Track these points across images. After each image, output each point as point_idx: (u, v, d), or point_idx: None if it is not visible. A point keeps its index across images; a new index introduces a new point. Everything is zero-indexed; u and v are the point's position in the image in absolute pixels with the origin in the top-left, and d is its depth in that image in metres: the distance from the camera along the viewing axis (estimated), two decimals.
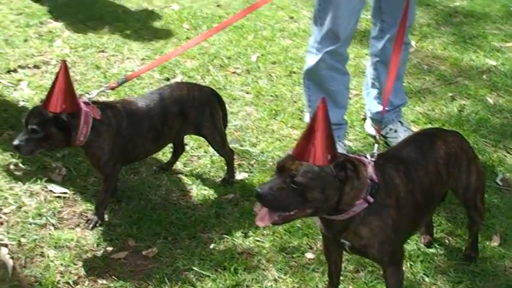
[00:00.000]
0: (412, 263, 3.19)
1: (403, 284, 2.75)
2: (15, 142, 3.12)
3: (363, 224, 2.51)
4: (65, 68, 3.08)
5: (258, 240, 3.33)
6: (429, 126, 4.41)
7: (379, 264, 2.78)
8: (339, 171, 2.37)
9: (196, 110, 3.55)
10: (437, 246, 3.32)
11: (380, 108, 4.15)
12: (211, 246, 3.29)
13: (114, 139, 3.29)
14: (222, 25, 3.71)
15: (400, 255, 2.71)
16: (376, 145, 2.66)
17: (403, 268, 2.78)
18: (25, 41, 5.50)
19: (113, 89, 3.50)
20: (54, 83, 3.09)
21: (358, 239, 2.55)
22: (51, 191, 3.66)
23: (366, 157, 2.57)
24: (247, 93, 4.82)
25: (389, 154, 2.88)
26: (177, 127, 3.54)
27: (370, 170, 2.50)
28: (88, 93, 3.34)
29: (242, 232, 3.38)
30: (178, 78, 4.94)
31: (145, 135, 3.42)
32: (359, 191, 2.44)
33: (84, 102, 3.21)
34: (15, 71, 4.99)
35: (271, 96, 4.78)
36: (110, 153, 3.30)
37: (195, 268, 3.14)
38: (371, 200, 2.47)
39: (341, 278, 3.01)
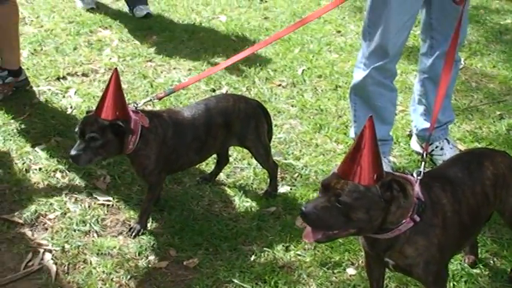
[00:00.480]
0: (455, 283, 3.13)
1: None
2: (73, 153, 3.11)
3: (408, 243, 2.47)
4: (116, 75, 3.10)
5: (299, 255, 3.30)
6: (476, 144, 4.34)
7: (423, 284, 2.73)
8: (385, 192, 2.33)
9: (241, 122, 3.55)
10: (481, 266, 3.25)
11: (426, 125, 4.11)
12: (252, 259, 3.28)
13: (160, 148, 3.31)
14: (272, 38, 3.71)
15: (445, 276, 2.67)
16: (423, 163, 2.63)
17: None
18: (75, 49, 5.59)
19: (160, 99, 3.51)
20: (106, 91, 3.11)
21: (403, 258, 2.51)
22: (95, 198, 3.70)
23: (412, 175, 2.53)
24: (292, 106, 4.81)
25: (436, 173, 2.83)
26: (221, 138, 3.54)
27: (417, 188, 2.46)
28: (135, 102, 3.36)
29: (283, 246, 3.36)
30: (224, 90, 4.96)
31: (190, 144, 3.43)
32: (405, 210, 2.41)
33: (133, 111, 3.23)
34: (64, 78, 5.08)
35: (315, 110, 4.76)
36: (155, 162, 3.32)
37: (235, 280, 3.13)
38: (417, 219, 2.43)
39: None
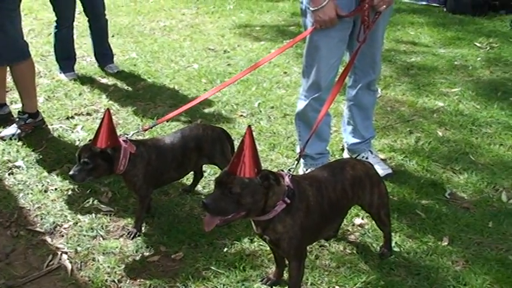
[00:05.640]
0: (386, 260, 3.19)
1: (302, 277, 2.77)
2: (71, 172, 3.13)
3: (279, 221, 2.55)
4: (108, 114, 3.10)
5: (261, 245, 3.32)
6: (392, 154, 4.41)
7: (286, 258, 2.78)
8: (264, 181, 2.43)
9: (209, 145, 3.55)
10: (400, 246, 3.31)
11: (354, 140, 4.17)
12: (225, 250, 3.29)
13: (146, 168, 3.30)
14: (232, 80, 3.74)
15: (304, 253, 2.73)
16: (296, 162, 2.73)
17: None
18: (80, 94, 5.56)
19: (145, 130, 3.51)
20: (100, 126, 3.11)
21: (274, 234, 2.59)
22: (100, 209, 3.67)
23: (284, 171, 2.64)
24: None
25: (308, 175, 2.93)
26: (195, 159, 3.53)
27: (287, 179, 2.56)
28: (127, 134, 3.36)
29: (249, 239, 3.37)
30: (199, 120, 4.97)
31: (170, 164, 3.42)
32: (279, 195, 2.50)
33: (123, 140, 3.23)
34: (72, 117, 5.04)
35: (270, 133, 4.80)
36: (143, 179, 3.31)
37: (212, 267, 3.14)
38: (288, 201, 2.52)
39: (325, 272, 3.00)
